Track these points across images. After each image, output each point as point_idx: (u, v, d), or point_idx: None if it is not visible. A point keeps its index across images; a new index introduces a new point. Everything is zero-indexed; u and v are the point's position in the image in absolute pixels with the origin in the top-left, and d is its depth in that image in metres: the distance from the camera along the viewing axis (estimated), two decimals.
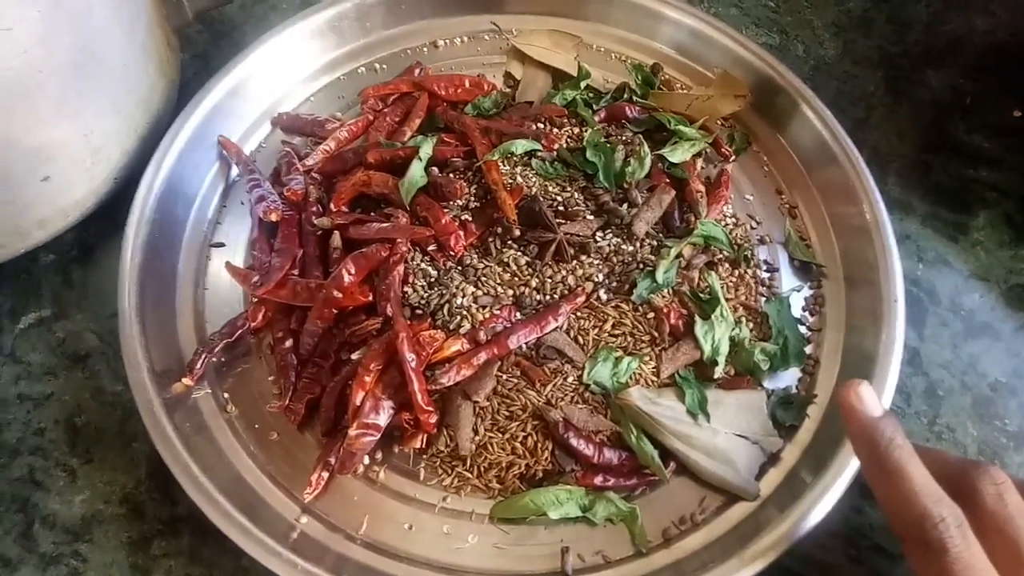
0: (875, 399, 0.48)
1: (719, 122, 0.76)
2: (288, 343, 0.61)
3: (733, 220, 0.71)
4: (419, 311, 0.62)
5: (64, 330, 0.65)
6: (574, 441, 0.57)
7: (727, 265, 0.67)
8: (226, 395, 0.61)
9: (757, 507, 0.57)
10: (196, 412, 0.59)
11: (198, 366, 0.59)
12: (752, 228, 0.71)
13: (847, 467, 0.55)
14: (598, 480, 0.57)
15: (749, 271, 0.67)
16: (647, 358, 0.61)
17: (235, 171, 0.71)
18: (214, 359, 0.61)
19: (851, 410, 0.48)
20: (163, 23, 0.72)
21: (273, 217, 0.65)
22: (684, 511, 0.58)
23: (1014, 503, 0.45)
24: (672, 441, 0.58)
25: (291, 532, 0.55)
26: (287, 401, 0.59)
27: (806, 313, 0.67)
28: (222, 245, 0.68)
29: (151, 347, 0.59)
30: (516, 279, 0.63)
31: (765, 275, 0.68)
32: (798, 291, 0.68)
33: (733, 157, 0.74)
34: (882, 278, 0.64)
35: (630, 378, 0.60)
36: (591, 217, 0.66)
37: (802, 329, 0.65)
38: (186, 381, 0.58)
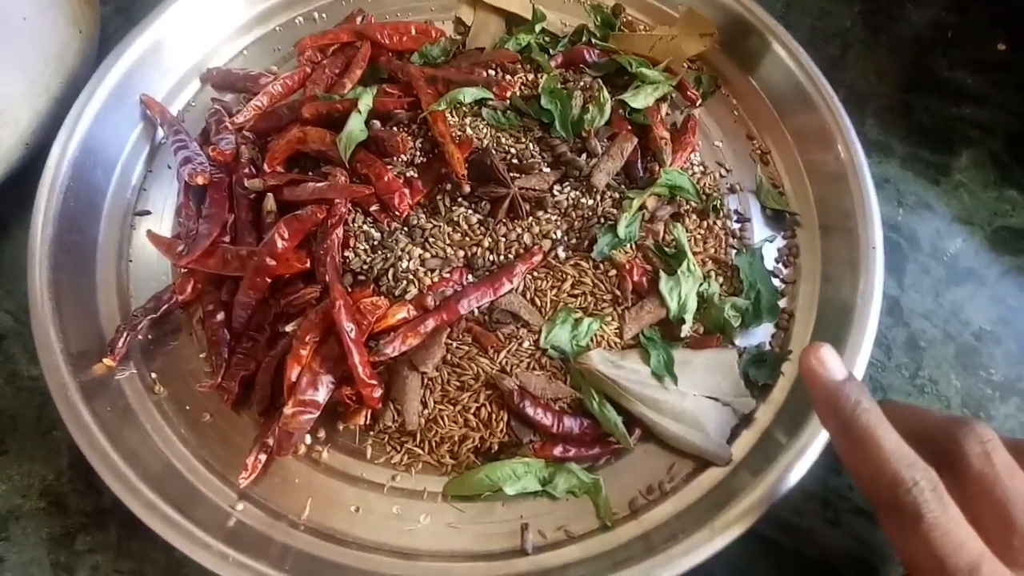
0: (838, 362, 0.45)
1: (685, 64, 0.71)
2: (219, 316, 0.56)
3: (701, 168, 0.66)
4: (362, 277, 0.57)
5: None
6: (531, 410, 0.52)
7: (694, 216, 0.63)
8: (153, 375, 0.56)
9: (729, 472, 0.53)
10: (120, 395, 0.54)
11: (120, 345, 0.54)
12: (721, 176, 0.67)
13: (821, 429, 0.51)
14: (558, 451, 0.53)
15: (718, 222, 0.63)
16: (609, 318, 0.57)
17: (161, 132, 0.65)
18: (140, 337, 0.56)
19: (813, 375, 0.45)
20: None
21: (200, 180, 0.59)
22: (652, 480, 0.54)
23: (1001, 463, 0.41)
24: (637, 406, 0.54)
25: (227, 521, 0.50)
26: (220, 379, 0.54)
27: (779, 264, 0.63)
28: (148, 213, 0.63)
29: (67, 327, 0.54)
30: (467, 239, 0.59)
31: (735, 226, 0.64)
32: (771, 242, 0.63)
33: (700, 101, 0.69)
34: (859, 225, 0.60)
35: (591, 340, 0.56)
36: (547, 170, 0.61)
37: (775, 281, 0.61)
38: (107, 362, 0.54)
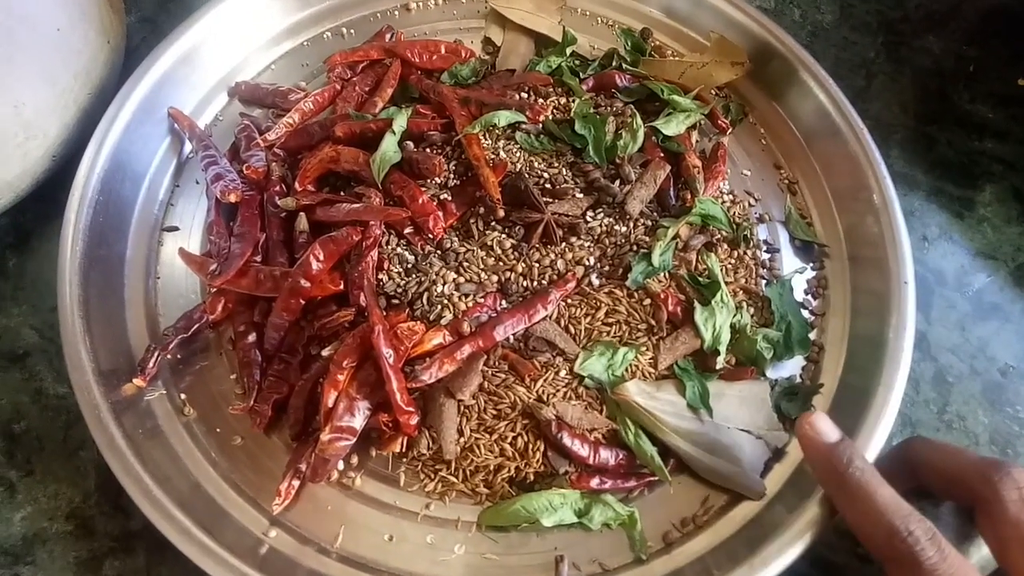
0: (830, 425, 0.47)
1: (712, 91, 0.71)
2: (251, 338, 0.56)
3: (730, 197, 0.66)
4: (395, 300, 0.57)
5: None
6: (568, 441, 0.52)
7: (725, 246, 0.63)
8: (183, 396, 0.55)
9: (764, 507, 0.53)
10: (149, 416, 0.53)
11: (150, 365, 0.53)
12: (751, 205, 0.67)
13: None
14: (594, 483, 0.52)
15: (749, 252, 0.63)
16: (643, 348, 0.57)
17: (188, 147, 0.64)
18: (169, 356, 0.55)
19: (807, 440, 0.47)
20: None
21: (232, 198, 0.59)
22: (685, 512, 0.54)
23: None
24: (672, 438, 0.53)
25: (259, 547, 0.50)
26: (252, 402, 0.54)
27: (809, 296, 0.63)
28: (176, 229, 0.62)
29: (97, 345, 0.53)
30: (501, 264, 0.58)
31: (765, 256, 0.64)
32: (800, 273, 0.63)
33: (730, 129, 0.69)
34: (890, 258, 0.60)
35: (626, 370, 0.56)
36: (581, 195, 0.61)
37: (804, 314, 0.61)
38: (137, 382, 0.53)
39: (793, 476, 0.54)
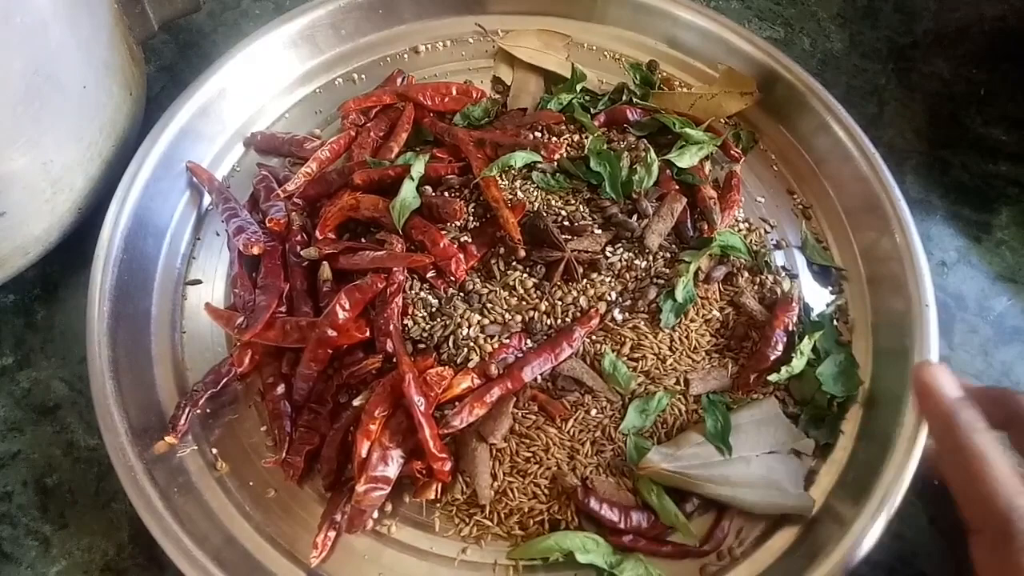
0: (952, 380, 0.45)
1: (722, 120, 0.72)
2: (280, 389, 0.56)
3: (746, 225, 0.67)
4: (422, 345, 0.57)
5: (29, 379, 0.59)
6: (596, 506, 0.51)
7: (746, 274, 0.63)
8: (214, 451, 0.55)
9: (800, 534, 0.53)
10: (182, 472, 0.53)
11: (182, 421, 0.53)
12: (766, 232, 0.67)
13: (892, 491, 0.51)
14: (627, 539, 0.52)
15: (770, 277, 0.63)
16: (674, 382, 0.57)
17: (208, 199, 0.65)
18: (198, 411, 0.55)
19: (926, 390, 0.45)
20: (126, 36, 0.66)
21: (255, 250, 0.59)
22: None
23: None
24: (710, 488, 0.53)
25: None
26: (283, 454, 0.54)
27: (838, 323, 0.63)
28: (199, 282, 0.62)
29: (128, 404, 0.53)
30: (524, 303, 0.59)
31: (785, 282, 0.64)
32: (828, 307, 0.63)
33: (743, 158, 0.70)
34: (909, 279, 0.60)
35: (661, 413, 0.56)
36: (599, 231, 0.62)
37: None
38: (169, 439, 0.53)
39: (826, 505, 0.54)
